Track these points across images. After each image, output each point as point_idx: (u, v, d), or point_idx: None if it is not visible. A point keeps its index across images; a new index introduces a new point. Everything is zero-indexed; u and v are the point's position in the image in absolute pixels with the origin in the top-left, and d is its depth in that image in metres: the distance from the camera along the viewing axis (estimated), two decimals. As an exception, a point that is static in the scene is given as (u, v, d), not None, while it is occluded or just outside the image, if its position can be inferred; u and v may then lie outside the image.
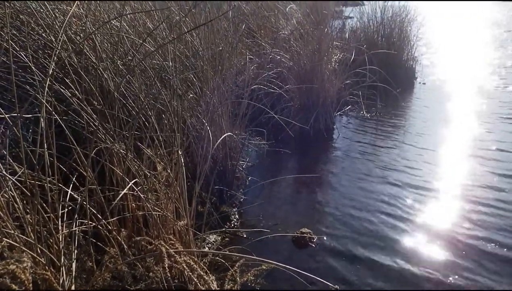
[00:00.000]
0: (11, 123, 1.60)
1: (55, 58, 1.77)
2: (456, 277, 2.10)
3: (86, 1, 2.50)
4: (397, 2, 6.66)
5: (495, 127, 4.28)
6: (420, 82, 6.64)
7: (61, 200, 1.68)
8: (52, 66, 1.60)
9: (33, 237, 1.45)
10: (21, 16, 2.38)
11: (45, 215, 1.54)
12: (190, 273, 1.54)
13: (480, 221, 2.58)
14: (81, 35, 2.39)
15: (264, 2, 5.34)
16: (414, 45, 6.58)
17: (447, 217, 2.64)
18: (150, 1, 3.11)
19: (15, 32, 2.28)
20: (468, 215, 2.65)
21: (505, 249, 2.28)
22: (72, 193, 1.77)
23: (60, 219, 1.62)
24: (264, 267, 2.05)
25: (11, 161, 1.60)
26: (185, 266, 1.54)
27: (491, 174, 3.20)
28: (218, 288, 1.86)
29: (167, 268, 1.49)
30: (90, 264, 1.74)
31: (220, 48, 3.17)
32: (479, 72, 7.18)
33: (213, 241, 2.39)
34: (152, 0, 3.18)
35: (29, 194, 1.51)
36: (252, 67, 3.99)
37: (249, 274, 2.00)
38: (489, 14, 20.03)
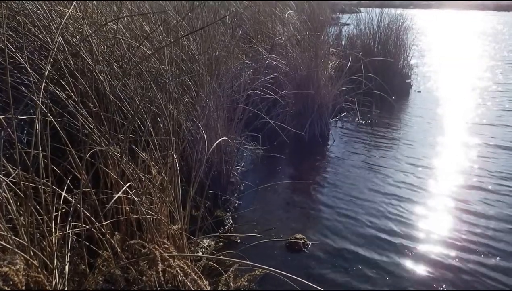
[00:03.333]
0: (5, 125, 1.59)
1: (51, 59, 1.77)
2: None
3: (83, 3, 2.50)
4: (393, 10, 6.72)
5: (487, 140, 4.31)
6: (415, 90, 6.69)
7: (54, 202, 1.67)
8: (48, 68, 1.60)
9: (26, 239, 1.44)
10: (17, 17, 2.38)
11: (38, 217, 1.53)
12: (183, 277, 1.53)
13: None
14: (78, 37, 2.39)
15: (261, 7, 5.36)
16: (410, 53, 6.63)
17: (440, 231, 2.66)
18: (147, 0, 3.11)
19: (11, 33, 2.28)
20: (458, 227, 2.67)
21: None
22: (66, 195, 1.76)
23: (53, 221, 1.61)
24: (258, 272, 2.04)
25: (5, 162, 1.60)
26: (178, 270, 1.53)
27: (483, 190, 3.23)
28: (211, 293, 1.85)
29: (160, 272, 1.48)
30: (83, 267, 1.74)
31: (217, 53, 3.17)
32: (474, 81, 7.24)
33: (207, 246, 2.39)
34: (150, 0, 3.18)
35: (22, 196, 1.51)
36: (248, 72, 4.00)
37: (242, 279, 1.99)
38: (482, 24, 20.23)
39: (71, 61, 2.16)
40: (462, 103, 5.87)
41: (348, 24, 7.76)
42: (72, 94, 1.99)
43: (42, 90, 1.54)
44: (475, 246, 2.43)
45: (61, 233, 1.63)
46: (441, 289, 2.08)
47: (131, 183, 1.86)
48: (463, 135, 4.43)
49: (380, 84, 5.03)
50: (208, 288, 1.51)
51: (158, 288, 1.58)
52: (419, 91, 6.63)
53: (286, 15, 5.15)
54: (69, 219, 1.67)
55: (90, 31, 2.31)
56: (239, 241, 2.51)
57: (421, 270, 2.23)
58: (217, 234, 2.53)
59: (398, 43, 6.42)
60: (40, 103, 1.50)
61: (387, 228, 2.64)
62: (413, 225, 2.66)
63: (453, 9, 35.68)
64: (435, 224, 2.67)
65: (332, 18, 7.17)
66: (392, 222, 2.71)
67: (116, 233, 1.92)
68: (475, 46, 12.26)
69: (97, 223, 1.75)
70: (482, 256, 2.34)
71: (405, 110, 5.62)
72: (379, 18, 6.41)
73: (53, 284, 1.48)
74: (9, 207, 1.48)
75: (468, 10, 35.23)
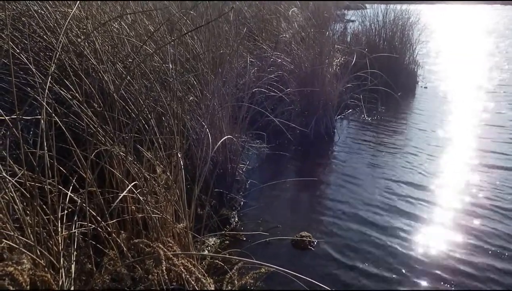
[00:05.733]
0: (11, 125, 1.61)
1: (56, 60, 1.78)
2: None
3: (87, 4, 2.51)
4: (399, 5, 6.67)
5: (494, 138, 4.27)
6: (421, 86, 6.64)
7: (60, 201, 1.68)
8: (53, 68, 1.60)
9: (32, 239, 1.45)
10: (23, 19, 2.39)
11: (44, 217, 1.55)
12: (188, 276, 1.54)
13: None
14: (82, 37, 2.40)
15: (265, 5, 5.35)
16: (415, 49, 6.58)
17: (446, 228, 2.65)
18: (150, 0, 3.12)
19: (16, 34, 2.29)
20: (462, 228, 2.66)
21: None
22: (72, 195, 1.77)
23: (59, 221, 1.62)
24: (263, 271, 2.04)
25: (11, 162, 1.61)
26: (182, 269, 1.54)
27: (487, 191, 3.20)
28: (217, 291, 1.86)
29: (165, 271, 1.49)
30: (90, 266, 1.75)
31: (221, 51, 3.17)
32: (481, 77, 7.17)
33: (212, 244, 2.40)
34: (153, 0, 3.18)
35: (29, 196, 1.52)
36: (253, 70, 3.99)
37: (247, 277, 1.99)
38: (490, 18, 20.03)
39: (76, 61, 2.17)
40: (469, 100, 5.81)
41: (353, 21, 7.72)
42: (76, 94, 2.00)
43: (47, 90, 1.55)
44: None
45: (67, 233, 1.65)
46: (443, 289, 2.07)
47: (136, 182, 1.87)
48: (467, 135, 4.39)
49: (385, 81, 5.00)
50: (212, 286, 1.52)
51: (164, 287, 1.59)
52: (426, 87, 6.59)
53: (290, 12, 5.13)
54: (75, 218, 1.68)
55: (95, 32, 2.32)
56: (244, 239, 2.51)
57: (429, 266, 2.22)
58: (223, 232, 2.54)
59: (404, 39, 6.37)
60: (45, 104, 1.51)
61: (393, 226, 2.63)
62: (417, 224, 2.65)
63: (460, 3, 35.37)
64: (439, 224, 2.66)
65: (337, 15, 7.12)
66: (398, 219, 2.70)
67: (122, 232, 1.93)
68: (483, 41, 12.15)
69: (103, 222, 1.77)
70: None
71: (411, 107, 5.59)
72: (385, 14, 6.37)
73: (60, 283, 1.49)
74: (16, 206, 1.49)
75: (476, 4, 34.90)
